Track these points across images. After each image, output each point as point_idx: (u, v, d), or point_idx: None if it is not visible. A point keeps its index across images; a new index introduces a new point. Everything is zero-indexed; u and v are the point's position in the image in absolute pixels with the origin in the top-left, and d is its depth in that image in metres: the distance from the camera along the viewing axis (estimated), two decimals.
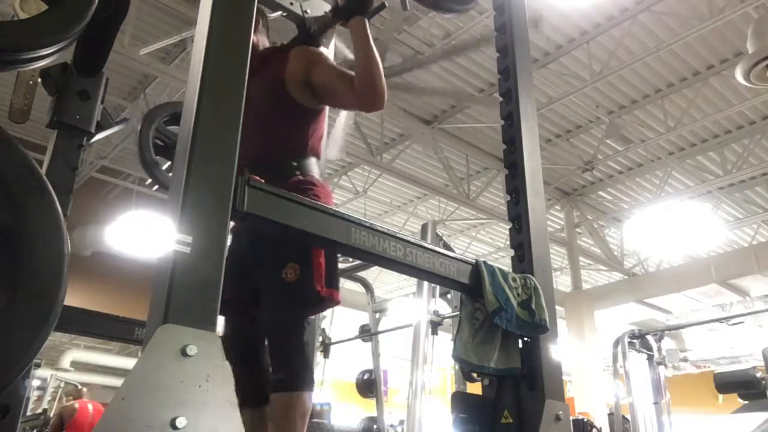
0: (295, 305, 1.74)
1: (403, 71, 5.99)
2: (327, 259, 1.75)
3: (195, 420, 1.07)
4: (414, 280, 5.99)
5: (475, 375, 4.19)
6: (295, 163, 1.85)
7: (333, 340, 5.65)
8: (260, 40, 2.07)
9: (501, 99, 2.29)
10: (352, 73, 1.82)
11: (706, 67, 7.26)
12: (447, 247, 5.02)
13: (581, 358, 9.81)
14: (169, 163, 2.78)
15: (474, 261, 1.86)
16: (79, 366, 12.49)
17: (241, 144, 1.95)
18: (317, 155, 1.96)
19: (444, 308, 4.83)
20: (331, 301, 1.77)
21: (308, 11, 2.80)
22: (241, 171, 1.35)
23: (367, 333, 5.80)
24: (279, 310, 1.74)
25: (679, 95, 7.71)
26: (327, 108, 2.07)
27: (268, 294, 1.75)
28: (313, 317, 2.57)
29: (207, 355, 1.13)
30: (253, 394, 1.74)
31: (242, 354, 1.80)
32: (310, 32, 2.11)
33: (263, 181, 1.43)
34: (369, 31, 1.80)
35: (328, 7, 2.91)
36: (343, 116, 4.40)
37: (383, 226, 1.65)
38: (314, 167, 1.91)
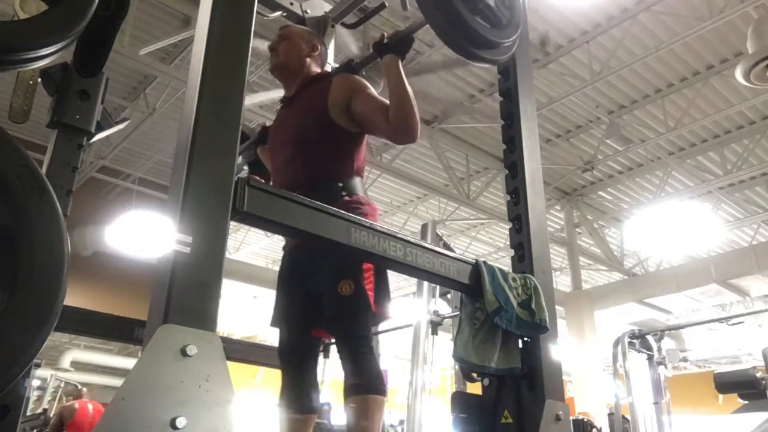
0: (353, 317, 1.83)
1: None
2: (376, 277, 1.86)
3: (195, 420, 1.07)
4: (414, 280, 5.99)
5: (475, 375, 4.19)
6: (341, 184, 1.94)
7: (333, 341, 5.62)
8: (310, 67, 2.13)
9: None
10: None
11: (706, 67, 7.26)
12: (447, 247, 5.02)
13: (581, 358, 9.81)
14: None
15: (474, 261, 1.86)
16: (79, 366, 12.48)
17: (285, 169, 2.01)
18: (361, 175, 2.06)
19: (444, 308, 4.83)
20: (382, 316, 1.90)
21: (308, 11, 2.80)
22: None
23: None
24: (342, 321, 1.83)
25: (679, 95, 7.70)
26: None
27: (329, 308, 1.83)
28: None
29: (207, 355, 1.14)
30: (301, 403, 1.87)
31: (295, 364, 1.94)
32: (352, 64, 2.17)
33: None
34: (401, 69, 1.88)
35: (328, 7, 2.91)
36: None
37: (383, 226, 1.65)
38: (359, 186, 2.00)
